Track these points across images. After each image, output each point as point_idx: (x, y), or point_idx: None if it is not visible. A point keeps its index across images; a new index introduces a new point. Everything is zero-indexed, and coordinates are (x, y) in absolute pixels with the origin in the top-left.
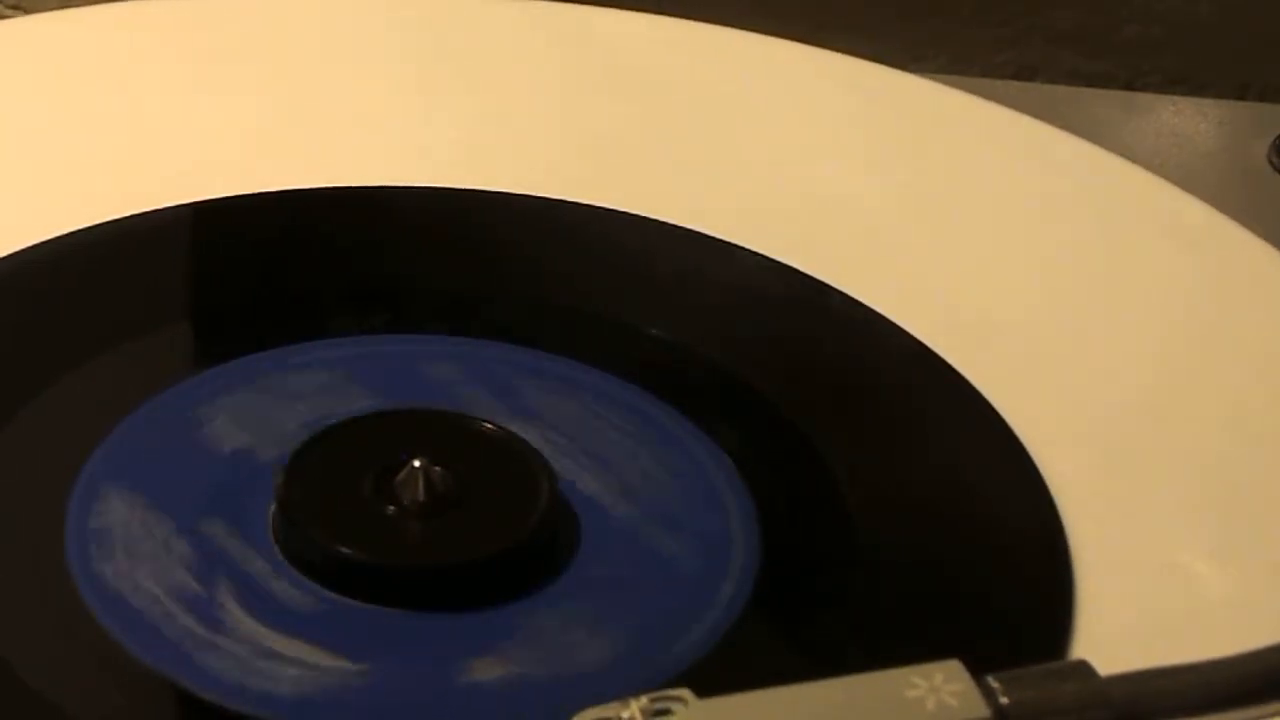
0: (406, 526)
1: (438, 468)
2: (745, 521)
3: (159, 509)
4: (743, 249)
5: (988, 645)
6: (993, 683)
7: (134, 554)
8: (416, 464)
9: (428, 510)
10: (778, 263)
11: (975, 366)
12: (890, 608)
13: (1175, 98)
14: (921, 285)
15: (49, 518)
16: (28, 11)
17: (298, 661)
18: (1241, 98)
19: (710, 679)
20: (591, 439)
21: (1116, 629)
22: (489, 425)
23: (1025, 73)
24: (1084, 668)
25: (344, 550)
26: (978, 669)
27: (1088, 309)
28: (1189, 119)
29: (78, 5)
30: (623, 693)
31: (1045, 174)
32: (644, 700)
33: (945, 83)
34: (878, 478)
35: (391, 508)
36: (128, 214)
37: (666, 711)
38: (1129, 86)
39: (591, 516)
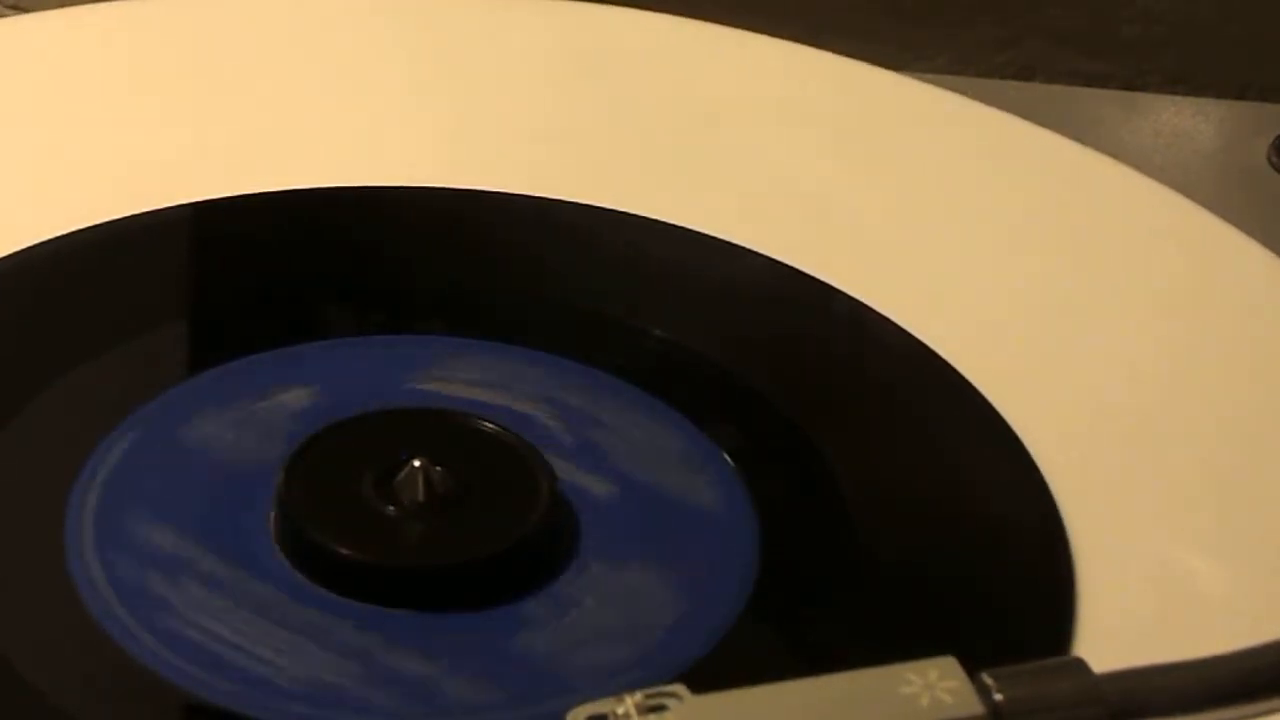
0: (406, 526)
1: (438, 468)
2: (745, 521)
3: (159, 508)
4: (743, 249)
5: (989, 644)
6: (987, 679)
7: (134, 553)
8: (416, 464)
9: (428, 510)
10: (777, 262)
11: (975, 366)
12: (891, 607)
13: (1175, 98)
14: (921, 285)
15: (49, 518)
16: (27, 11)
17: (296, 660)
18: (1241, 98)
19: (709, 678)
20: (591, 439)
21: (1116, 627)
22: (489, 425)
23: (1025, 73)
24: (1079, 665)
25: (344, 550)
26: (978, 667)
27: (1087, 309)
28: (1189, 119)
29: (77, 5)
30: (620, 692)
31: (1043, 176)
32: (639, 696)
33: (945, 83)
34: (878, 478)
35: (391, 508)
36: (128, 214)
37: (661, 708)
38: (1129, 86)
39: (591, 516)
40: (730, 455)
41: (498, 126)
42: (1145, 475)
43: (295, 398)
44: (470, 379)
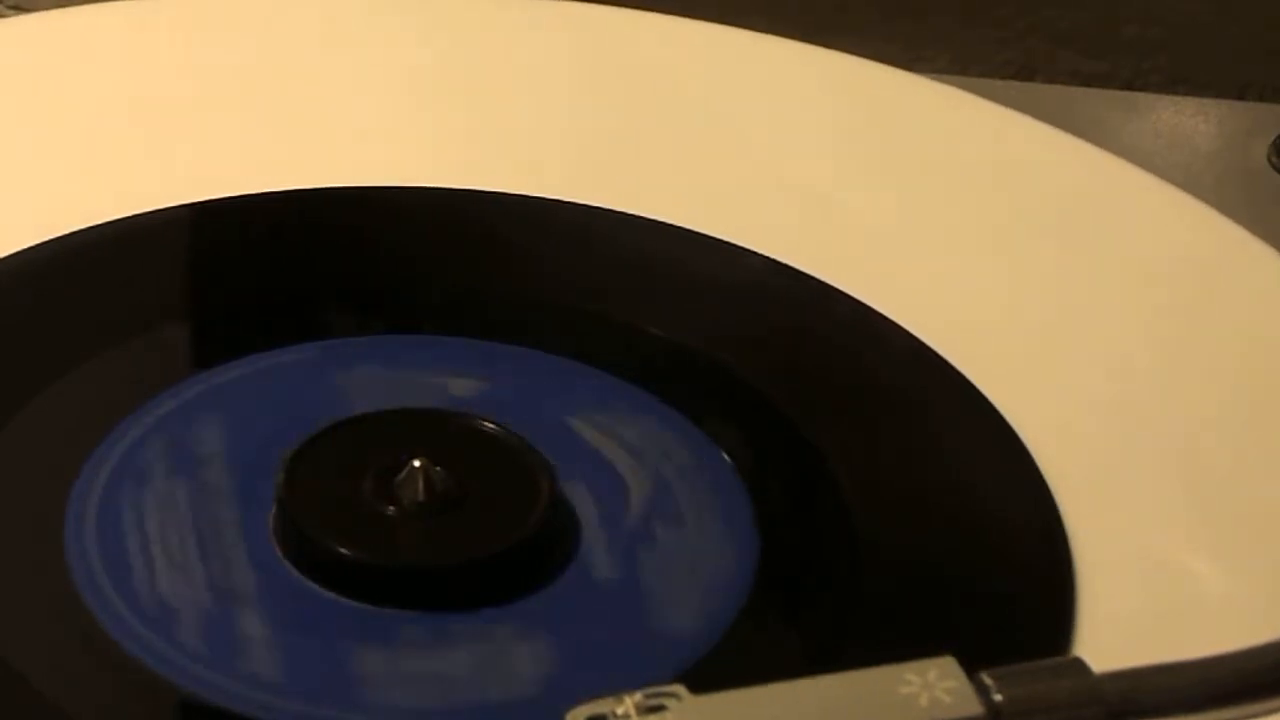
0: (406, 526)
1: (438, 468)
2: (745, 521)
3: (159, 509)
4: (743, 249)
5: (989, 644)
6: (986, 679)
7: (134, 554)
8: (416, 464)
9: (428, 510)
10: (778, 263)
11: (976, 366)
12: (891, 607)
13: (1175, 98)
14: (921, 285)
15: (49, 518)
16: (27, 11)
17: (295, 660)
18: (1241, 98)
19: (709, 678)
20: (591, 439)
21: (1116, 626)
22: (489, 425)
23: (1025, 73)
24: (1078, 664)
25: (344, 550)
26: (978, 667)
27: (1087, 308)
28: (1189, 119)
29: (77, 5)
30: (620, 692)
31: (1044, 174)
32: (638, 696)
33: (945, 83)
34: (878, 478)
35: (391, 508)
36: (128, 214)
37: (660, 707)
38: (1129, 86)
39: (591, 516)
40: (730, 455)
41: (498, 126)
42: (1146, 475)
43: (295, 397)
44: (470, 379)
